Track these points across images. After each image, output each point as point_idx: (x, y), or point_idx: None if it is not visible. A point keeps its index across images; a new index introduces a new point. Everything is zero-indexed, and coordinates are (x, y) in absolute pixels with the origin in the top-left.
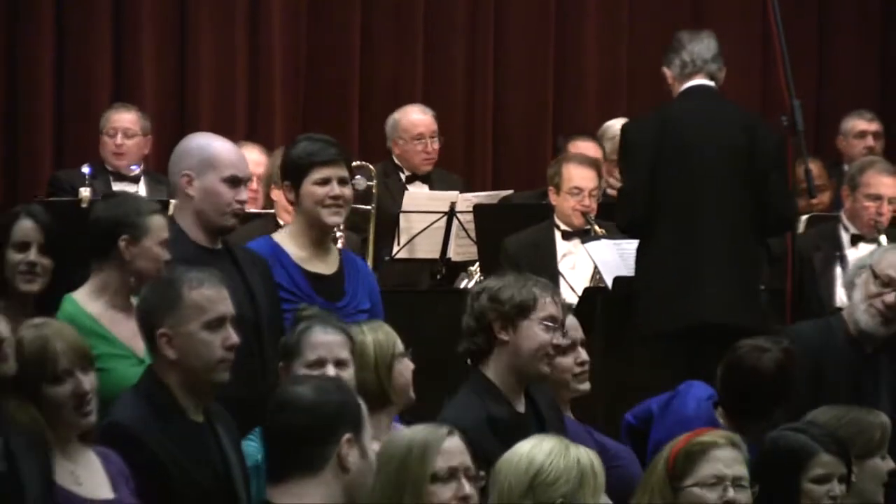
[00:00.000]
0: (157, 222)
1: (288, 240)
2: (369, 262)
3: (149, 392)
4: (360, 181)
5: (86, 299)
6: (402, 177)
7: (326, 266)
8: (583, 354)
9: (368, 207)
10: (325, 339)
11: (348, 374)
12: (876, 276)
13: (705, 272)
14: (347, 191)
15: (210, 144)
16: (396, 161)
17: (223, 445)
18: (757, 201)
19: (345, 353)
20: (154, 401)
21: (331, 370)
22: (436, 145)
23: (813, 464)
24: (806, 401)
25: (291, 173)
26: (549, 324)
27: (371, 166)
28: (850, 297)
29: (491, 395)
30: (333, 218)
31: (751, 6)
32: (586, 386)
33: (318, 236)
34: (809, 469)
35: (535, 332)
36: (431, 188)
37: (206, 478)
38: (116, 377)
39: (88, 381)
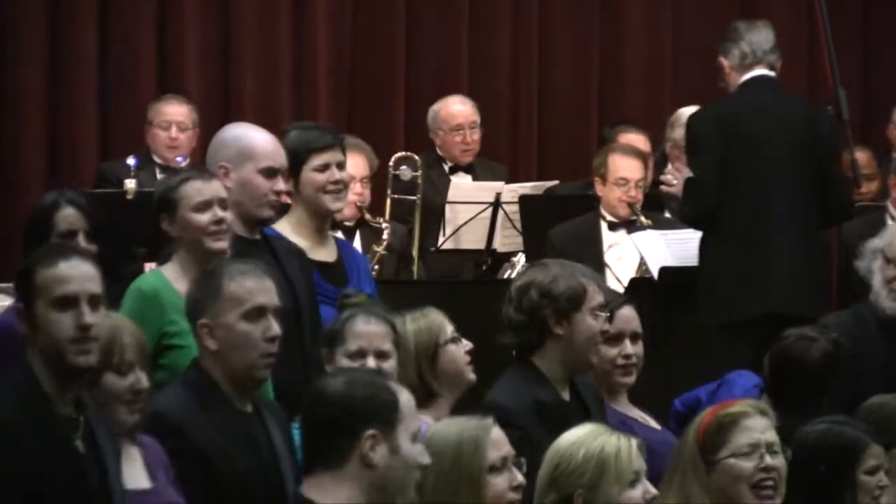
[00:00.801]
0: (189, 189)
1: (290, 230)
2: (415, 253)
3: (193, 382)
4: (406, 172)
5: (173, 276)
6: (446, 168)
7: (328, 254)
8: (628, 348)
9: (414, 198)
10: (366, 330)
11: (389, 364)
12: (888, 260)
13: (774, 262)
14: (346, 175)
15: (246, 135)
16: (439, 152)
17: (272, 435)
18: (819, 192)
19: (387, 345)
20: (198, 390)
21: (371, 361)
22: (475, 136)
23: (866, 456)
24: (839, 391)
25: (289, 163)
26: (600, 312)
27: (416, 157)
28: (871, 284)
29: (538, 381)
30: (336, 203)
31: None
32: (629, 379)
33: (319, 224)
34: (864, 461)
35: (588, 323)
36: (475, 178)
37: (250, 466)
38: (193, 355)
39: (146, 379)
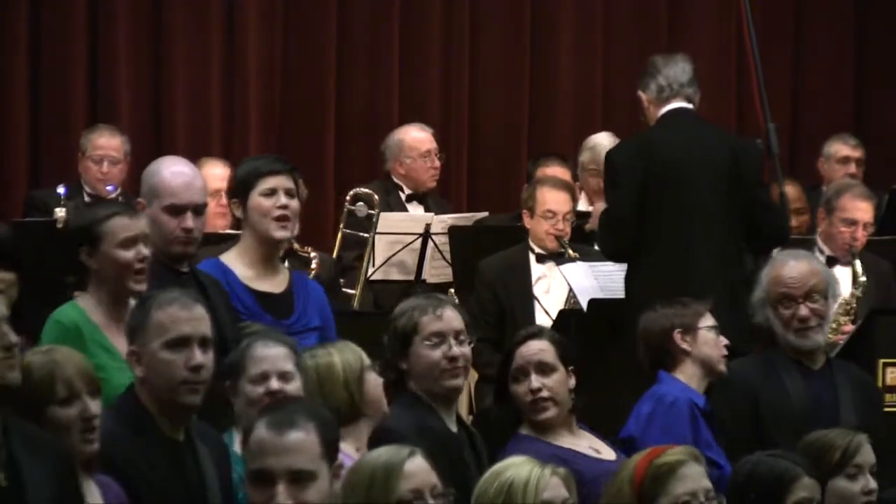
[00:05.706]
0: (115, 224)
1: (235, 259)
2: (358, 288)
3: (124, 409)
4: (362, 208)
5: (90, 307)
6: (402, 196)
7: (274, 285)
8: (533, 382)
9: (367, 235)
10: (266, 353)
11: (293, 386)
12: (773, 302)
13: (701, 293)
14: (294, 203)
15: (158, 171)
16: (396, 180)
17: (202, 465)
18: (745, 220)
19: (289, 366)
20: (127, 417)
21: (275, 383)
22: (439, 161)
23: (796, 487)
24: (751, 439)
25: (238, 188)
26: (433, 340)
27: (375, 195)
28: (775, 332)
29: (425, 411)
30: (281, 232)
31: (726, 29)
32: (546, 415)
33: (267, 253)
34: (794, 493)
35: (421, 354)
36: (427, 209)
37: (175, 495)
38: (112, 388)
39: (95, 405)
